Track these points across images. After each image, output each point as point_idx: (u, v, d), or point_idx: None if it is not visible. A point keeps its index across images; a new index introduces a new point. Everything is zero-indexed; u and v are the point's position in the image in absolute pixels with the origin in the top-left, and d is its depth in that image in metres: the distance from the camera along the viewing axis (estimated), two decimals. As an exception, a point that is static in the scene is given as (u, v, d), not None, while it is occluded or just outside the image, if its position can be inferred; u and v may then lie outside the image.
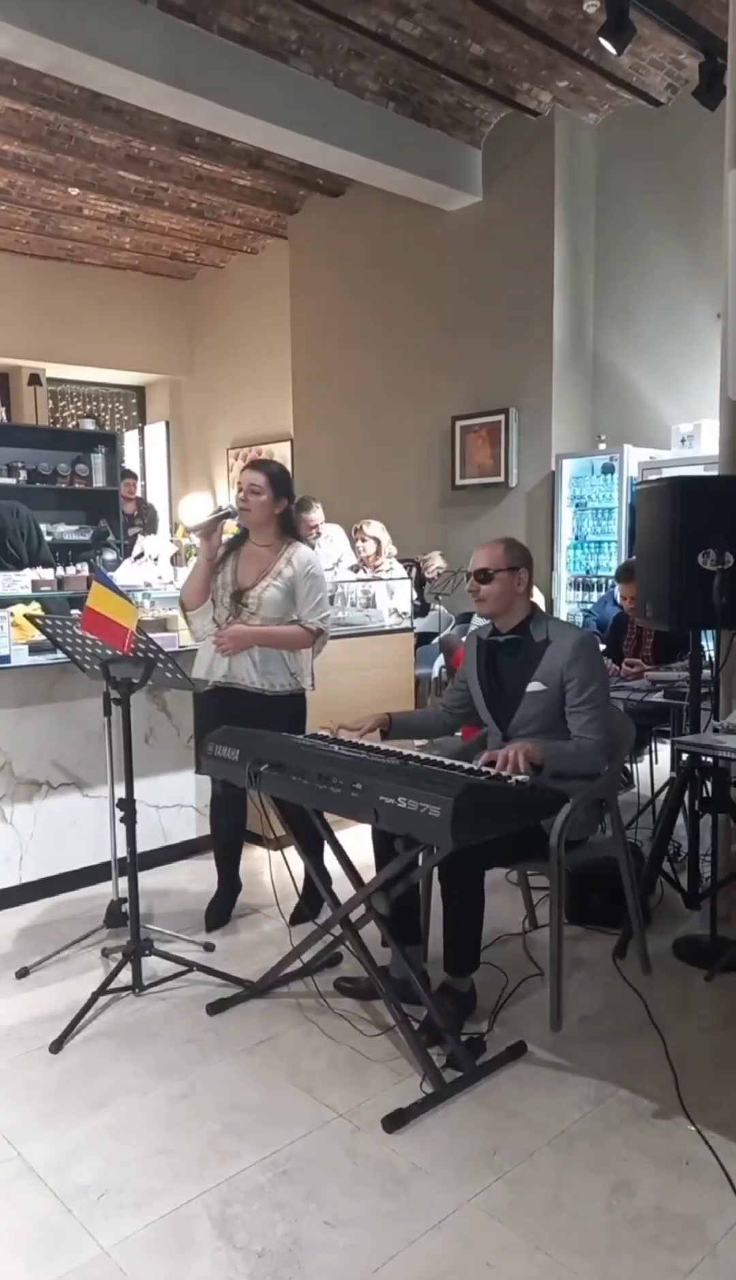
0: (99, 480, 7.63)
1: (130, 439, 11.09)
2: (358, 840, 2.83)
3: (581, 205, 6.61)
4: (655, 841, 3.26)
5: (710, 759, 3.05)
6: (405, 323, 7.62)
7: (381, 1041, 2.57)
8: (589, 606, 5.89)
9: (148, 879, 3.45)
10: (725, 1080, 2.41)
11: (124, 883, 2.94)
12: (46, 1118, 2.29)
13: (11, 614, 3.60)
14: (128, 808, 2.84)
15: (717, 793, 3.13)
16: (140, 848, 2.90)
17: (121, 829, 2.87)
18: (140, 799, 2.98)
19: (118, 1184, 2.05)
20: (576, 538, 6.51)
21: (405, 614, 5.12)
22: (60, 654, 3.12)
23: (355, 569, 5.90)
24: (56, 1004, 2.79)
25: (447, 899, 2.61)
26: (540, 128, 6.48)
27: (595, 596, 6.08)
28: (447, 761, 2.59)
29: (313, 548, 6.05)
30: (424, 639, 5.89)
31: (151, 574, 4.86)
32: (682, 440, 5.87)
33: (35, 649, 3.52)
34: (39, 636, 3.31)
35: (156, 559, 5.15)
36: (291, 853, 3.40)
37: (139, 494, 8.47)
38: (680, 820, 3.33)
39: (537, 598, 3.74)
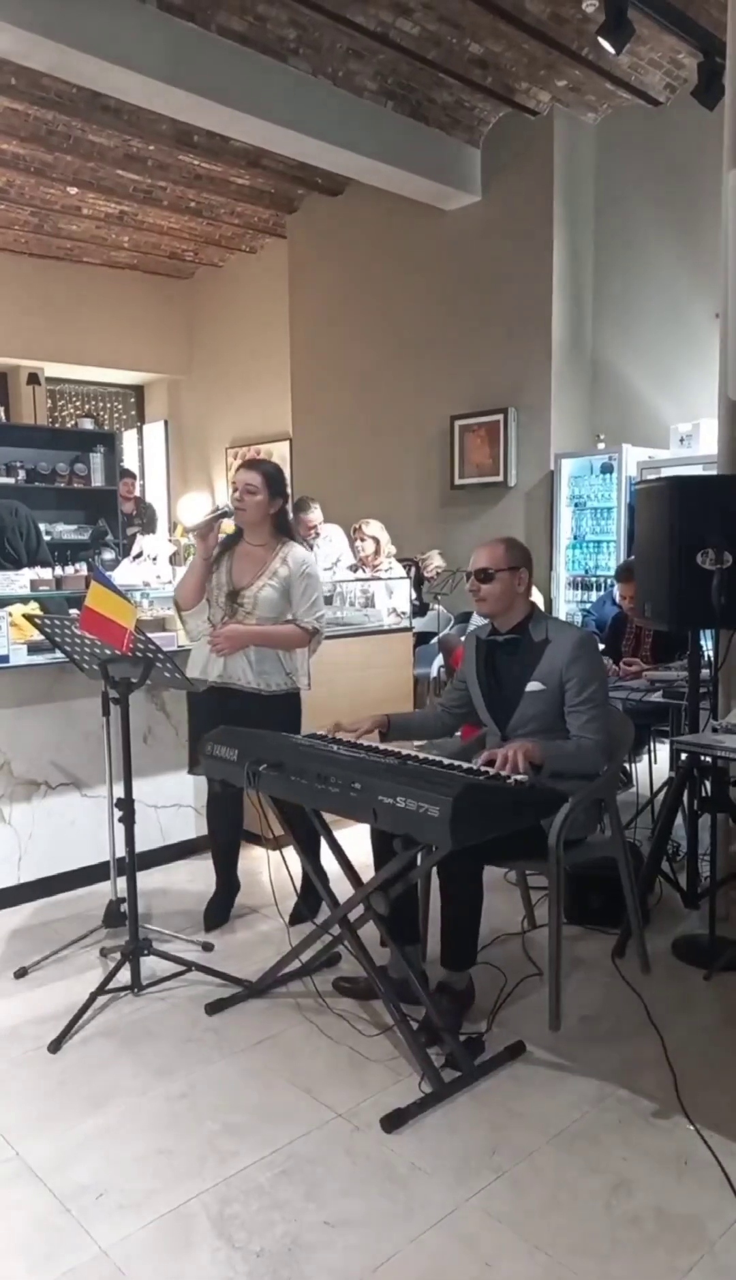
0: (98, 480, 7.62)
1: (129, 438, 11.09)
2: (356, 840, 2.83)
3: (580, 205, 6.61)
4: (654, 841, 3.26)
5: (709, 758, 3.05)
6: (403, 321, 7.61)
7: (380, 1041, 2.57)
8: (588, 606, 5.89)
9: (146, 879, 3.45)
10: (724, 1080, 2.41)
11: (123, 882, 2.94)
12: (45, 1117, 2.29)
13: (10, 614, 3.60)
14: (126, 807, 2.84)
15: (716, 792, 3.13)
16: (139, 847, 2.89)
17: (120, 829, 2.87)
18: (139, 799, 2.98)
19: (116, 1184, 2.05)
20: (575, 537, 6.52)
21: (404, 614, 5.12)
22: (59, 654, 3.12)
23: (354, 568, 5.90)
24: (55, 1004, 2.79)
25: (446, 894, 2.61)
26: (539, 127, 6.47)
27: (594, 596, 6.07)
28: (446, 761, 2.59)
29: (310, 548, 6.10)
30: (423, 638, 5.89)
31: (150, 573, 4.87)
32: (681, 440, 5.87)
33: (34, 649, 3.52)
34: (38, 636, 3.30)
35: (155, 558, 5.15)
36: (290, 852, 3.40)
37: (138, 493, 8.46)
38: (679, 820, 3.33)
39: (536, 597, 3.74)
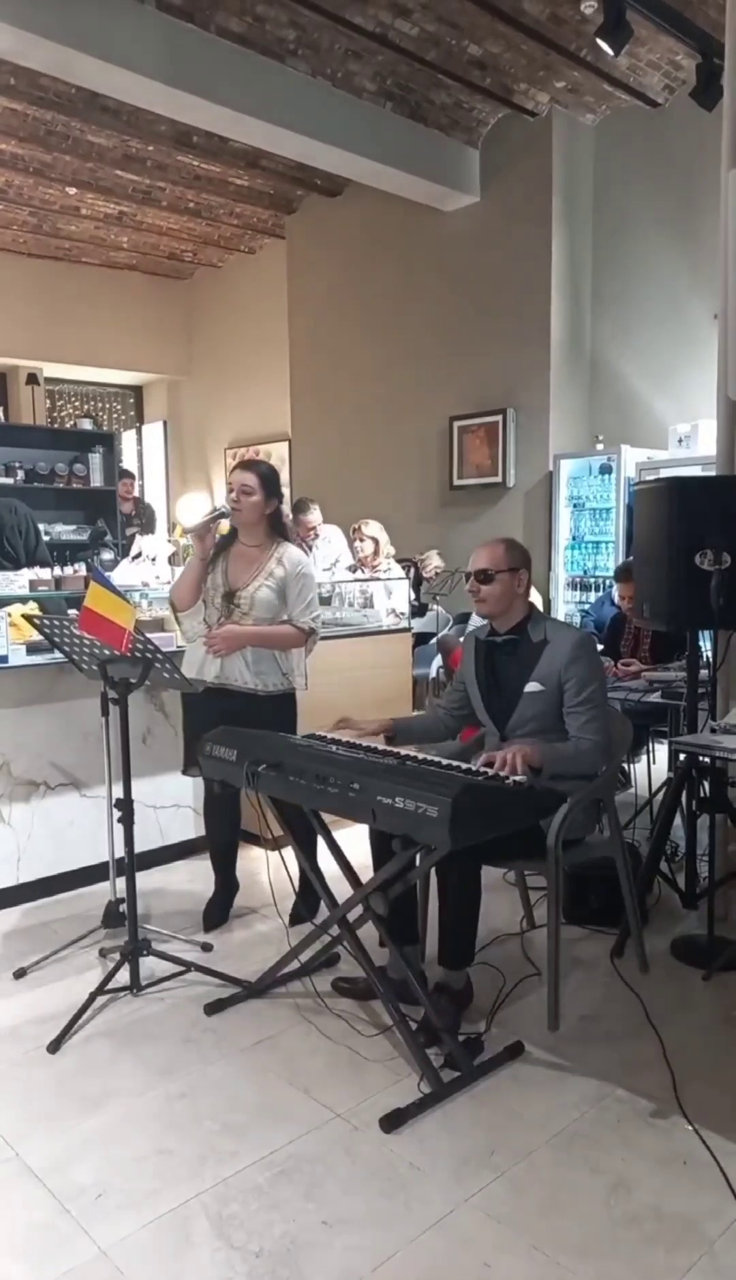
0: (97, 480, 7.62)
1: (128, 439, 11.09)
2: (355, 840, 2.83)
3: (579, 206, 6.61)
4: (653, 841, 3.27)
5: (707, 759, 3.06)
6: (402, 322, 7.62)
7: (379, 1042, 2.57)
8: (586, 607, 5.89)
9: (145, 879, 3.45)
10: (723, 1080, 2.41)
11: (122, 883, 2.94)
12: (44, 1118, 2.29)
13: (9, 614, 3.60)
14: (125, 808, 2.84)
15: (715, 793, 3.13)
16: (138, 848, 2.89)
17: (119, 829, 2.87)
18: (138, 799, 2.98)
19: (116, 1184, 2.05)
20: (574, 538, 6.52)
21: (403, 614, 5.12)
22: (58, 654, 3.12)
23: (353, 569, 5.90)
24: (54, 1004, 2.79)
25: (444, 892, 2.61)
26: (537, 128, 6.48)
27: (592, 597, 6.08)
28: (445, 762, 2.59)
29: (310, 549, 6.10)
30: (421, 639, 5.89)
31: (149, 574, 4.86)
32: (680, 440, 5.87)
33: (33, 649, 3.52)
34: (37, 636, 3.30)
35: (154, 559, 5.15)
36: (289, 853, 3.40)
37: (136, 494, 8.46)
38: (677, 820, 3.33)
39: (535, 598, 3.74)
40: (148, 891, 3.50)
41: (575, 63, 5.79)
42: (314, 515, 6.32)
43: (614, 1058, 2.51)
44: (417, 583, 6.27)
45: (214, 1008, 2.76)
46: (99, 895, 3.47)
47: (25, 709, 3.52)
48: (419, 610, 6.10)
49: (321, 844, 2.88)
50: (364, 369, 7.99)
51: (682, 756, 3.18)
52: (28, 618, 3.51)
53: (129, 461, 10.49)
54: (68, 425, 9.84)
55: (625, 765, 4.26)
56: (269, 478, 3.21)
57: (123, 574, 4.91)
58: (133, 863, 2.85)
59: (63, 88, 5.82)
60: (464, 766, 2.54)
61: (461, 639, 3.30)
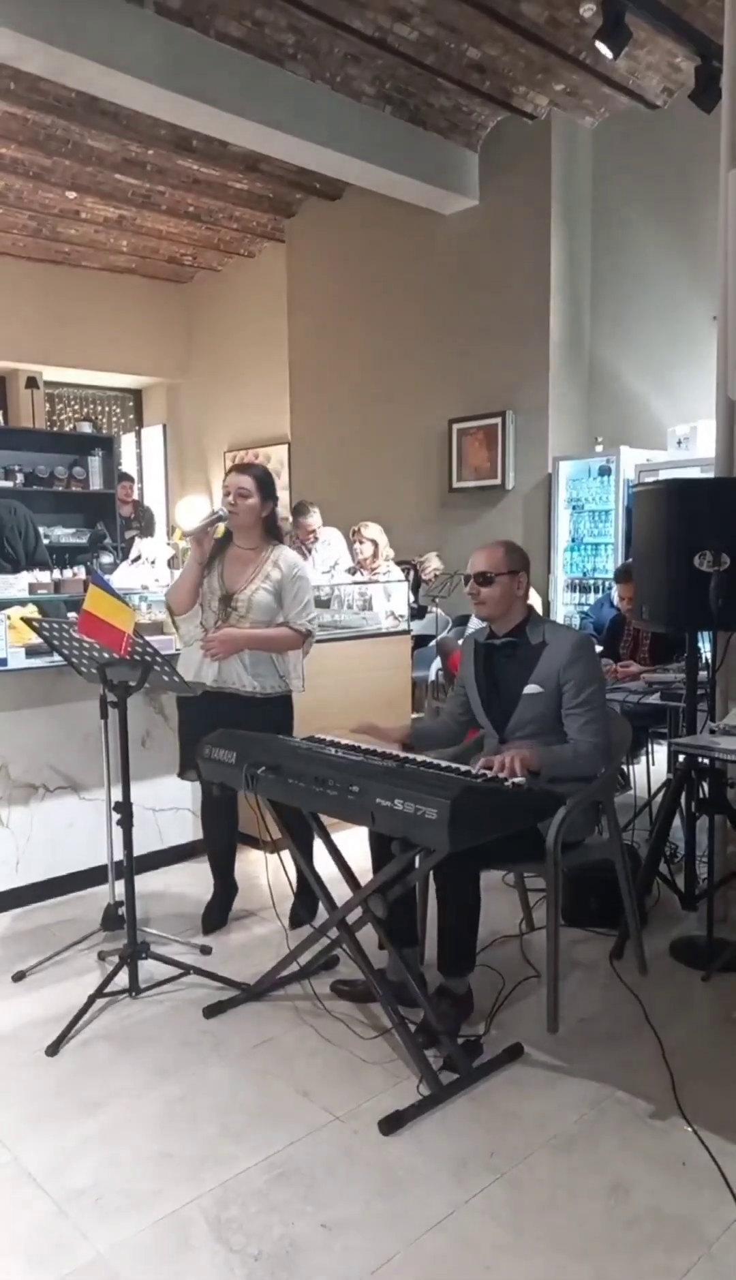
0: (96, 483, 7.61)
1: (127, 442, 11.10)
2: (354, 843, 2.83)
3: (578, 208, 6.63)
4: (652, 843, 3.27)
5: (706, 760, 3.06)
6: (402, 325, 7.63)
7: (378, 1044, 2.57)
8: (586, 609, 5.90)
9: (144, 882, 3.45)
10: (722, 1081, 2.41)
11: (121, 886, 2.94)
12: (43, 1120, 2.29)
13: (8, 617, 3.60)
14: (124, 811, 2.84)
15: (714, 794, 3.13)
16: (137, 850, 2.89)
17: (118, 832, 2.87)
18: (137, 802, 2.97)
19: (114, 1187, 2.05)
20: (573, 540, 6.52)
21: (402, 616, 5.12)
22: (57, 657, 3.12)
23: (352, 571, 5.90)
24: (53, 1007, 2.79)
25: (443, 899, 2.61)
26: (536, 131, 6.49)
27: (592, 599, 6.08)
28: (444, 764, 2.59)
29: (309, 552, 6.11)
30: (421, 641, 5.90)
31: (148, 577, 4.87)
32: (679, 442, 5.88)
33: (32, 652, 3.52)
34: (36, 639, 3.31)
35: (153, 562, 5.15)
36: (288, 855, 3.40)
37: (136, 497, 8.46)
38: (677, 821, 3.33)
39: (534, 600, 3.75)
40: (147, 894, 3.50)
41: (574, 65, 5.81)
42: (314, 518, 6.33)
43: (613, 1059, 2.51)
44: (417, 585, 6.28)
45: (213, 1010, 2.75)
46: (98, 898, 3.46)
47: (24, 712, 3.52)
48: (418, 612, 6.11)
49: (320, 846, 2.88)
50: (363, 371, 7.99)
51: (681, 758, 3.18)
52: (27, 621, 3.51)
53: (128, 465, 10.49)
54: (67, 428, 9.85)
55: (624, 767, 4.27)
56: (264, 480, 3.22)
57: (122, 577, 4.91)
58: (132, 865, 2.84)
59: (62, 92, 5.83)
60: (462, 769, 2.54)
61: (460, 641, 3.30)
